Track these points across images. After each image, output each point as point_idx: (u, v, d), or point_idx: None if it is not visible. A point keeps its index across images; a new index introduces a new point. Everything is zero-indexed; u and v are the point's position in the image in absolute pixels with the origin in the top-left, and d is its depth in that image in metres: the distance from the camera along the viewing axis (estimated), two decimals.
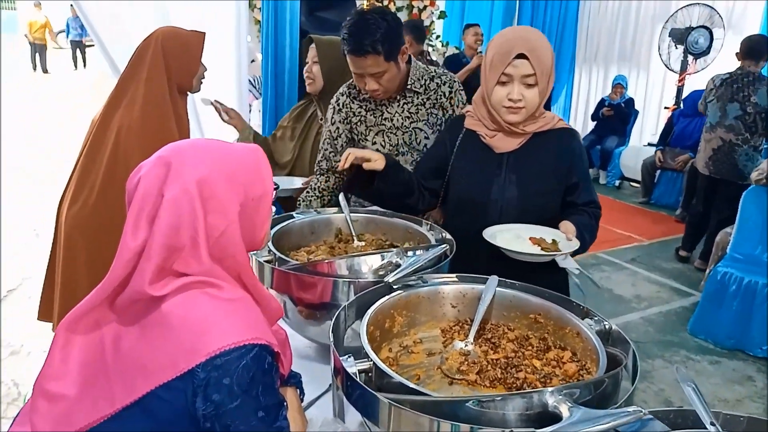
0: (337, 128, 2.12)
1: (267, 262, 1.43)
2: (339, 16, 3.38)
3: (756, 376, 3.34)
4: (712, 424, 0.84)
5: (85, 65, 15.85)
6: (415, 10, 7.58)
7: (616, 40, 7.62)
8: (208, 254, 0.96)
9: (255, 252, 1.40)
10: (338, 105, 2.11)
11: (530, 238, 1.55)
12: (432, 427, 0.85)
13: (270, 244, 1.49)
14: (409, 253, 1.40)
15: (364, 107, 2.08)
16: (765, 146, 4.69)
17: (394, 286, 1.27)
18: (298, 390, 1.19)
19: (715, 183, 4.59)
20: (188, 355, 0.91)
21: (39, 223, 4.74)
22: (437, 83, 2.04)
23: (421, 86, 2.03)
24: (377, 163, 1.68)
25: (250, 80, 5.25)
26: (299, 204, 2.18)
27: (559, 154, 1.70)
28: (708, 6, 5.83)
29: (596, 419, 0.81)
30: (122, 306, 0.96)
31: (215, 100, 2.56)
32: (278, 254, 1.46)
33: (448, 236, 1.61)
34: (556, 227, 1.62)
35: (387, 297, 1.23)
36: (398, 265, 1.34)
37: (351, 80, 2.08)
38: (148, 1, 2.80)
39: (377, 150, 1.98)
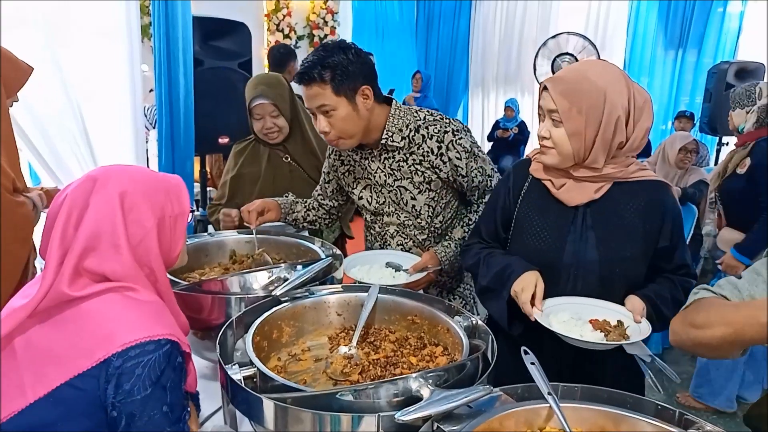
0: (328, 173, 1.96)
1: None
2: (233, 44, 3.44)
3: None
4: (549, 394, 0.98)
5: None
6: (316, 39, 7.76)
7: (503, 63, 8.16)
8: (132, 258, 1.07)
9: None
10: (330, 148, 1.90)
11: (591, 321, 1.33)
12: (312, 419, 0.92)
13: None
14: (298, 267, 1.48)
15: (351, 157, 1.85)
16: None
17: (282, 299, 1.34)
18: (195, 407, 1.24)
19: None
20: (105, 345, 0.98)
21: None
22: (423, 135, 1.70)
23: (403, 139, 1.72)
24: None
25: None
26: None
27: (647, 212, 1.41)
28: (580, 35, 6.38)
29: (451, 397, 0.93)
30: (40, 311, 1.02)
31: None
32: (169, 276, 1.48)
33: (338, 252, 1.70)
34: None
35: (274, 309, 1.30)
36: (286, 279, 1.42)
37: None
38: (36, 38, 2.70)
39: (363, 206, 1.89)
